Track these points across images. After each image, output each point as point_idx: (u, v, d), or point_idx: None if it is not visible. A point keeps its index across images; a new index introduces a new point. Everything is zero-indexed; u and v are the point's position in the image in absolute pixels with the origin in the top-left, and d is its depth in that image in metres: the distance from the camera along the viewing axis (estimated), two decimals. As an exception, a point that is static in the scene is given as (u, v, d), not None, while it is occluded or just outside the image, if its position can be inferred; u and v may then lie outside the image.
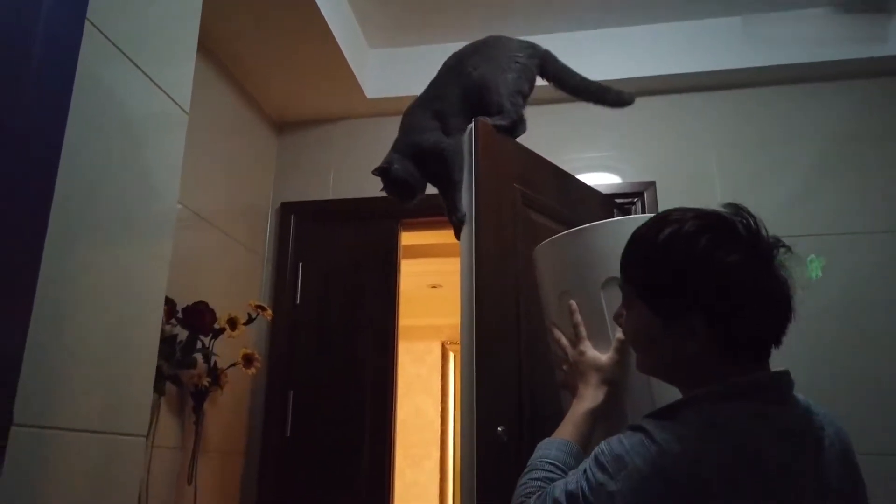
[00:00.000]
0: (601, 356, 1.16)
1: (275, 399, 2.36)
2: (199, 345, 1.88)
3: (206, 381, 2.01)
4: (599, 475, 0.85)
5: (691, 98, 2.45)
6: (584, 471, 0.87)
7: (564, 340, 1.23)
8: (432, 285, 4.03)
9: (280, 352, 2.43)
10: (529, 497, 0.94)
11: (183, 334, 1.88)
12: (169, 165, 1.44)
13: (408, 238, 2.66)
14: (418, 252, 3.50)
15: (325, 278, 2.54)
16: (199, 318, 1.87)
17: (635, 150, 2.47)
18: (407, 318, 3.63)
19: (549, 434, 1.12)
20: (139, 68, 1.33)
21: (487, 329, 1.49)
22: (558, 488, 0.90)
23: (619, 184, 2.45)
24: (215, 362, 2.07)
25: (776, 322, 0.91)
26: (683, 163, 2.40)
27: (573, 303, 1.22)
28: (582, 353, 1.18)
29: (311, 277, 2.54)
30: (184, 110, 1.47)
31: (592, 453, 0.89)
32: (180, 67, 1.49)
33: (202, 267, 2.16)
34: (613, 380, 1.15)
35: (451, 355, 4.20)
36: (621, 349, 1.15)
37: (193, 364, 1.86)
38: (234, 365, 2.09)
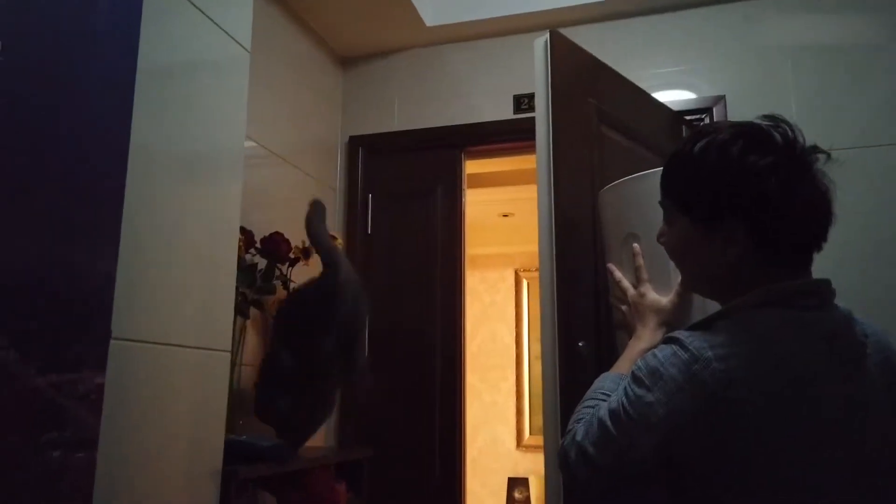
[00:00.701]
0: (662, 299, 1.18)
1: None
2: (276, 273, 2.02)
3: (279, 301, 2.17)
4: (637, 389, 0.88)
5: (763, 4, 2.32)
6: (624, 388, 0.91)
7: (626, 283, 1.25)
8: (503, 214, 4.07)
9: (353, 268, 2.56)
10: (579, 422, 0.98)
11: (262, 263, 2.02)
12: (234, 103, 1.53)
13: (475, 167, 2.70)
14: (488, 181, 3.53)
15: (394, 208, 2.63)
16: (275, 247, 2.00)
17: (704, 63, 2.37)
18: (479, 246, 3.71)
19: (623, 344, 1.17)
20: (200, 10, 1.40)
21: (566, 247, 1.49)
22: (602, 408, 0.93)
23: (688, 100, 2.38)
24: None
25: (816, 227, 0.91)
26: (755, 74, 2.29)
27: (636, 246, 1.25)
28: (643, 295, 1.20)
29: (381, 208, 2.63)
30: (245, 49, 1.55)
31: (630, 370, 0.93)
32: (240, 8, 1.56)
33: (277, 200, 2.29)
34: (672, 323, 1.16)
35: (525, 282, 4.26)
36: (682, 293, 1.16)
37: (273, 290, 2.01)
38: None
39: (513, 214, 4.10)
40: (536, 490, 3.73)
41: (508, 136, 2.51)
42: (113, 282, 1.08)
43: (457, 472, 2.40)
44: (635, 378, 0.90)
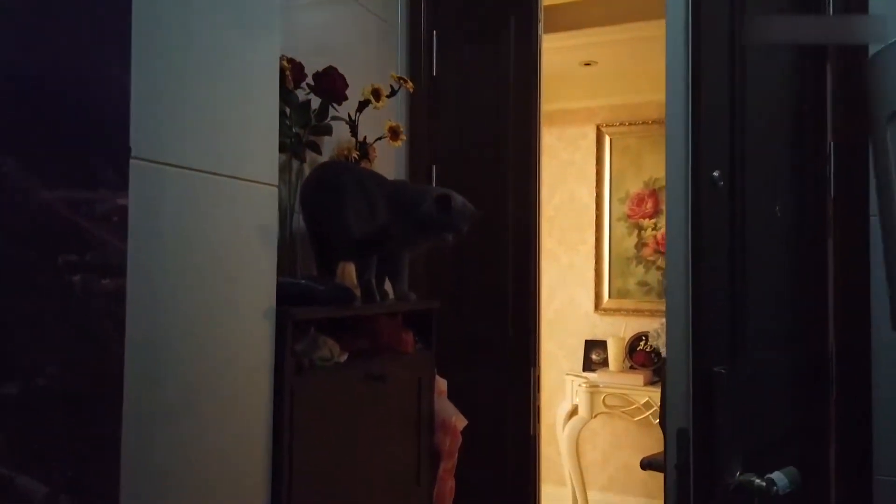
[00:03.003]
0: None
1: (418, 173, 2.36)
2: (330, 112, 1.86)
3: (355, 154, 2.03)
4: None
5: None
6: None
7: None
8: (585, 62, 3.71)
9: (421, 126, 2.38)
10: None
11: (316, 103, 1.86)
12: None
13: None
14: (567, 22, 3.18)
15: (463, 48, 2.39)
16: (330, 83, 1.83)
17: None
18: (557, 101, 3.43)
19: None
20: None
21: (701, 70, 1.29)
22: None
23: None
24: (365, 137, 2.08)
25: None
26: None
27: None
28: None
29: (448, 47, 2.39)
30: None
31: None
32: None
33: (333, 35, 2.10)
34: None
35: (607, 139, 3.96)
36: None
37: (329, 131, 1.86)
38: (380, 139, 2.08)
39: (595, 63, 3.75)
40: (615, 352, 3.64)
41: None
42: (127, 92, 0.95)
43: (531, 331, 2.30)
44: None
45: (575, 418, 3.64)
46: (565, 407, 3.79)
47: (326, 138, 1.96)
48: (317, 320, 1.52)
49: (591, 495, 3.75)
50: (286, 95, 1.76)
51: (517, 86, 2.34)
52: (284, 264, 1.75)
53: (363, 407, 1.65)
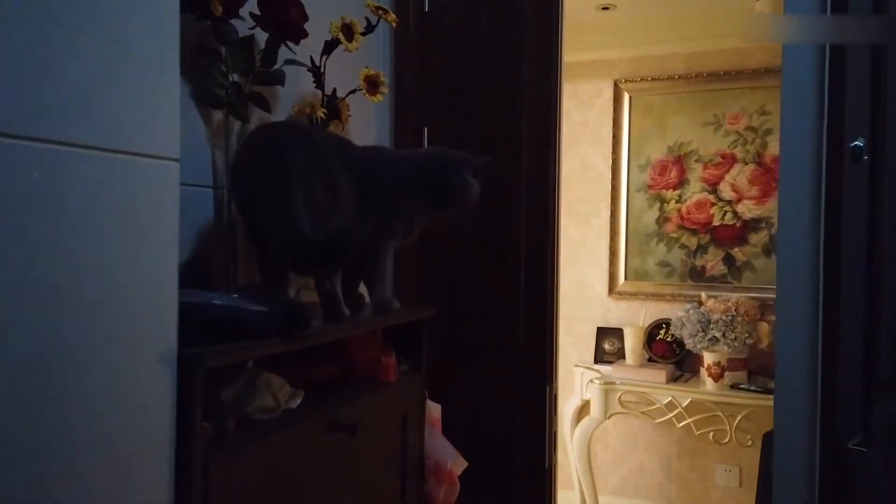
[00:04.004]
0: None
1: (405, 137, 1.86)
2: (284, 55, 1.35)
3: (321, 113, 1.53)
4: None
5: None
6: None
7: None
8: (602, 5, 3.17)
9: (408, 78, 1.87)
10: None
11: (265, 40, 1.35)
12: None
13: None
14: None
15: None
16: (282, 12, 1.31)
17: None
18: (568, 52, 2.90)
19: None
20: None
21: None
22: None
23: None
24: (334, 90, 1.58)
25: None
26: None
27: None
28: None
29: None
30: None
31: None
32: None
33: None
34: None
35: (626, 97, 3.44)
36: None
37: (280, 79, 1.35)
38: (354, 92, 1.58)
39: (614, 6, 3.20)
40: (633, 343, 3.19)
41: None
42: None
43: (547, 338, 1.83)
44: None
45: (587, 419, 3.20)
46: (574, 403, 3.36)
47: (279, 90, 1.46)
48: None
49: (601, 499, 3.35)
50: (219, 28, 1.25)
51: (534, 25, 1.83)
52: (216, 270, 1.26)
53: (326, 468, 1.18)
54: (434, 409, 1.62)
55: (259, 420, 1.05)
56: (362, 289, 1.40)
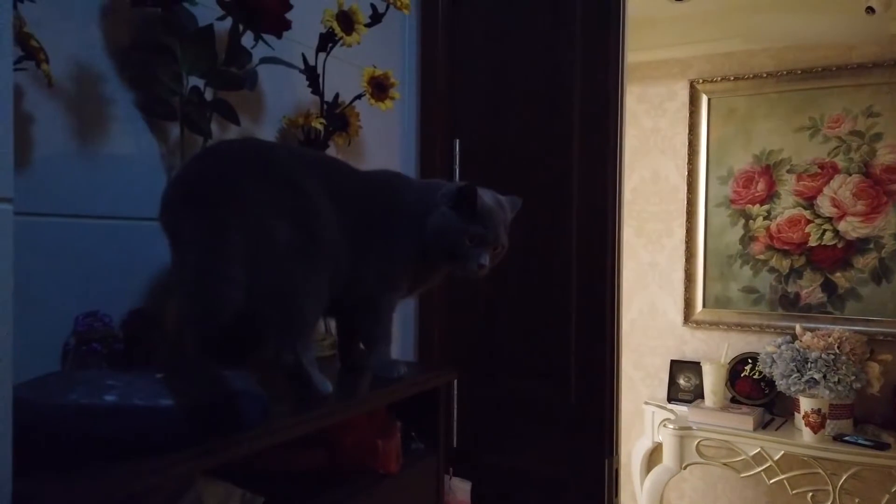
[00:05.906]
0: None
1: (431, 151, 1.54)
2: (261, 49, 1.07)
3: (317, 124, 1.24)
4: None
5: None
6: None
7: None
8: (676, -3, 2.79)
9: (437, 77, 1.56)
10: None
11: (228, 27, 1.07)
12: None
13: None
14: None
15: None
16: (254, -2, 1.03)
17: None
18: (637, 50, 2.52)
19: None
20: None
21: None
22: None
23: None
24: (336, 94, 1.29)
25: None
26: None
27: None
28: None
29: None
30: None
31: None
32: None
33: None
34: None
35: (704, 99, 3.03)
36: None
37: (246, 82, 1.07)
38: (360, 97, 1.29)
39: (690, -2, 2.80)
40: (713, 381, 2.76)
41: None
42: None
43: (607, 398, 1.48)
44: None
45: (659, 468, 2.79)
46: (645, 444, 2.96)
47: (266, 96, 1.18)
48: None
49: (677, 559, 2.93)
50: (171, 16, 0.98)
51: (587, 15, 1.49)
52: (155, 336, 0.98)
53: None
54: (460, 492, 1.30)
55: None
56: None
